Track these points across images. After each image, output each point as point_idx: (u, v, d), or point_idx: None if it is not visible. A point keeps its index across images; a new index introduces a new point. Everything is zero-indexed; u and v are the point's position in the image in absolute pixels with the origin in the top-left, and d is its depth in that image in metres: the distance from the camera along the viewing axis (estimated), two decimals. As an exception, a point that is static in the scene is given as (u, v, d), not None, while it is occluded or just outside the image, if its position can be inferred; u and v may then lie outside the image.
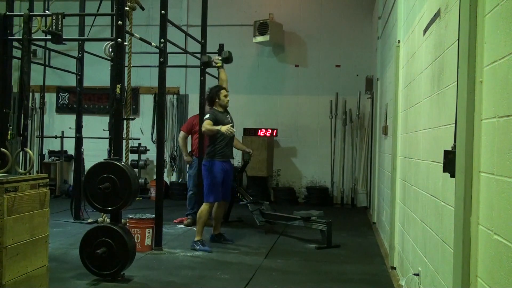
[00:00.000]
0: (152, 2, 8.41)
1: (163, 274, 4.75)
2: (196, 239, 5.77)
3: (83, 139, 7.50)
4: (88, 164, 5.13)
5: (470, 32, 2.05)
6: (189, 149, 7.57)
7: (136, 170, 9.47)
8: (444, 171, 2.39)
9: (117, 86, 4.60)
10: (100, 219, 6.74)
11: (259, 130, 9.76)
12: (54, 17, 4.88)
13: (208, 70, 7.32)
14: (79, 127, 7.45)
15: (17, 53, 5.63)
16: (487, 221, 1.91)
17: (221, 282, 4.56)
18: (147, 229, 5.56)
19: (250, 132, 9.73)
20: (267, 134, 9.75)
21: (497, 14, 1.85)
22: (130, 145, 5.19)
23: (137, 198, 5.60)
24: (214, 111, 5.89)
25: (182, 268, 4.98)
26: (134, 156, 9.56)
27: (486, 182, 1.93)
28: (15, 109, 5.97)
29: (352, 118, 9.91)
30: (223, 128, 5.66)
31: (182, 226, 7.16)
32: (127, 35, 4.89)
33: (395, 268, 4.82)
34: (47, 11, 5.76)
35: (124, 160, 4.82)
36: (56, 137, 8.76)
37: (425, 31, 3.42)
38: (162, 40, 5.73)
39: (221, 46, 7.95)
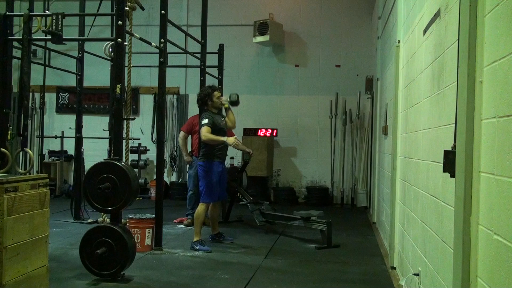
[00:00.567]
0: (152, 2, 8.41)
1: (163, 274, 4.75)
2: (195, 239, 5.77)
3: (83, 139, 7.50)
4: (88, 164, 5.14)
5: (470, 32, 2.05)
6: (189, 149, 7.57)
7: (136, 170, 9.47)
8: (444, 171, 2.39)
9: (117, 86, 4.60)
10: (100, 219, 6.75)
11: (259, 130, 9.76)
12: (54, 17, 4.88)
13: (208, 70, 7.32)
14: (79, 127, 7.45)
15: (17, 53, 5.62)
16: (487, 221, 1.91)
17: (221, 282, 4.56)
18: (147, 229, 5.56)
19: (250, 132, 9.73)
20: (267, 134, 9.75)
21: (497, 14, 1.85)
22: (130, 145, 5.19)
23: (137, 198, 5.61)
24: (210, 114, 5.86)
25: (182, 268, 4.98)
26: (134, 156, 9.56)
27: (486, 182, 1.93)
28: (15, 109, 5.98)
29: (352, 118, 9.91)
30: (230, 140, 5.67)
31: (182, 226, 7.16)
32: (127, 35, 4.89)
33: (395, 268, 4.82)
34: (47, 11, 5.75)
35: (124, 160, 4.82)
36: (56, 137, 8.76)
37: (425, 31, 3.42)
38: (162, 40, 5.73)
39: (221, 46, 7.95)
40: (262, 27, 9.66)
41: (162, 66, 5.81)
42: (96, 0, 7.52)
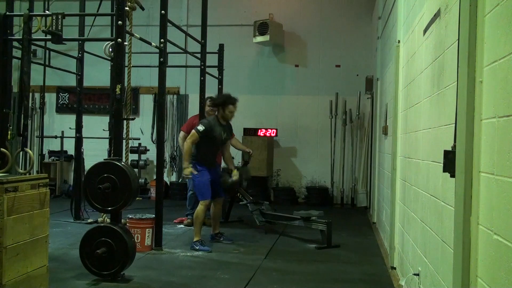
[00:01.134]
0: (152, 2, 8.40)
1: (163, 274, 4.75)
2: (195, 239, 5.77)
3: (83, 139, 7.50)
4: (88, 164, 5.13)
5: (470, 32, 2.05)
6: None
7: (136, 170, 9.47)
8: (444, 171, 2.39)
9: (117, 86, 4.59)
10: (100, 219, 6.75)
11: (259, 130, 9.76)
12: (54, 17, 4.88)
13: (208, 70, 7.32)
14: (79, 127, 7.45)
15: (17, 53, 5.62)
16: (487, 221, 1.91)
17: (221, 282, 4.56)
18: (147, 229, 5.56)
19: (250, 132, 9.72)
20: (267, 134, 9.75)
21: (497, 14, 1.85)
22: (130, 145, 5.19)
23: (137, 198, 5.60)
24: (212, 121, 5.87)
25: (182, 268, 4.98)
26: (134, 156, 9.56)
27: (486, 182, 1.93)
28: (15, 109, 5.97)
29: (352, 118, 9.91)
30: (185, 171, 5.73)
31: (182, 226, 7.16)
32: (127, 35, 4.89)
33: (395, 268, 4.82)
34: (47, 11, 5.75)
35: (124, 160, 4.82)
36: (56, 137, 8.76)
37: (425, 31, 3.42)
38: (162, 40, 5.73)
39: (221, 46, 7.95)
40: (262, 27, 9.66)
41: (162, 66, 5.81)
42: (96, 0, 7.52)
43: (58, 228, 6.59)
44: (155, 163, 7.54)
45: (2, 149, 4.81)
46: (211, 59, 7.62)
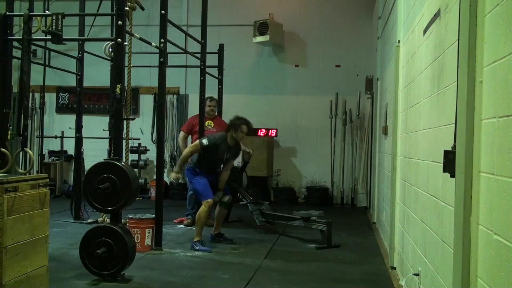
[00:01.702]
0: (152, 2, 8.40)
1: (163, 274, 4.75)
2: (195, 239, 5.77)
3: (83, 139, 7.50)
4: (88, 164, 5.13)
5: (470, 32, 2.05)
6: (189, 149, 7.57)
7: (136, 170, 9.47)
8: (444, 171, 2.39)
9: (117, 86, 4.59)
10: (100, 219, 6.75)
11: (259, 130, 9.75)
12: (54, 17, 4.88)
13: (208, 70, 7.32)
14: (79, 127, 7.45)
15: (17, 53, 5.62)
16: (487, 221, 1.91)
17: (221, 282, 4.56)
18: (147, 229, 5.56)
19: (250, 132, 9.67)
20: (267, 134, 9.75)
21: (497, 14, 1.85)
22: (130, 145, 5.19)
23: (137, 198, 5.61)
24: (219, 140, 5.86)
25: (182, 268, 4.98)
26: (134, 156, 9.56)
27: (486, 182, 1.93)
28: (15, 109, 5.96)
29: (352, 118, 9.91)
30: (172, 175, 5.93)
31: (182, 226, 7.16)
32: (127, 35, 4.88)
33: (395, 268, 4.82)
34: (47, 11, 5.75)
35: (124, 160, 4.82)
36: (56, 137, 8.76)
37: (425, 31, 3.42)
38: (162, 40, 5.73)
39: (221, 46, 7.95)
40: (262, 27, 9.66)
41: (162, 66, 5.81)
42: (96, 0, 7.52)
43: (58, 228, 6.59)
44: (155, 163, 7.54)
45: (2, 149, 4.81)
46: (211, 59, 7.62)
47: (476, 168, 2.03)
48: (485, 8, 1.98)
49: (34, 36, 5.28)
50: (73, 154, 7.87)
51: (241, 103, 9.60)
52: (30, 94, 9.27)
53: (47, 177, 4.11)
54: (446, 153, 2.37)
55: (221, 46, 7.94)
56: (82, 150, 7.46)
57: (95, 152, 8.35)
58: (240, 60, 10.11)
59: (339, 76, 10.02)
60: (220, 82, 7.86)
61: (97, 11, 7.20)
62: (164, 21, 5.81)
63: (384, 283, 4.66)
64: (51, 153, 10.26)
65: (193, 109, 9.59)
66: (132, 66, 5.04)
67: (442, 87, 2.81)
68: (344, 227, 7.27)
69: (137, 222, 5.54)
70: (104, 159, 4.69)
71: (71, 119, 8.31)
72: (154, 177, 8.47)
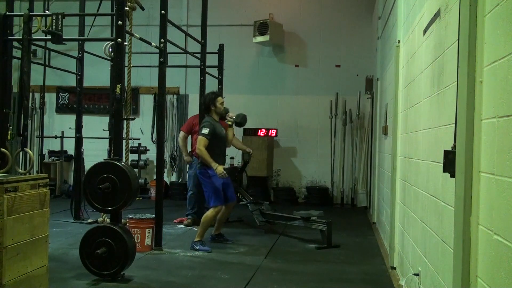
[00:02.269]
0: (152, 2, 8.39)
1: (163, 274, 4.75)
2: (196, 239, 5.77)
3: (83, 139, 7.50)
4: (88, 164, 5.13)
5: (470, 32, 2.05)
6: (189, 149, 7.57)
7: (136, 170, 9.47)
8: (444, 171, 2.39)
9: (117, 86, 4.59)
10: (100, 219, 6.75)
11: (259, 130, 9.76)
12: (54, 17, 4.88)
13: (208, 70, 7.32)
14: (79, 127, 7.45)
15: (17, 53, 5.62)
16: (487, 221, 1.91)
17: (221, 282, 4.56)
18: (147, 229, 5.56)
19: (250, 132, 9.72)
20: (267, 134, 9.75)
21: (497, 14, 1.85)
22: (130, 145, 5.19)
23: (137, 198, 5.61)
24: (211, 121, 5.85)
25: (182, 268, 4.98)
26: (134, 156, 9.56)
27: (486, 182, 1.93)
28: (15, 109, 5.97)
29: (352, 118, 9.91)
30: (218, 170, 5.63)
31: (182, 226, 7.16)
32: (127, 35, 4.89)
33: (395, 268, 4.82)
34: (47, 11, 5.75)
35: (124, 160, 4.82)
36: (56, 137, 8.76)
37: (425, 31, 3.42)
38: (162, 40, 5.73)
39: (221, 46, 7.95)
40: (262, 27, 9.66)
41: (162, 66, 5.81)
42: (96, 0, 7.52)
43: (58, 228, 6.59)
44: (155, 163, 7.55)
45: (2, 149, 4.81)
46: (211, 59, 7.62)
47: (476, 168, 2.03)
48: (485, 8, 1.98)
49: (34, 36, 5.28)
50: (73, 154, 7.87)
51: (241, 103, 9.59)
52: (30, 94, 9.27)
53: (47, 177, 4.11)
54: (446, 153, 2.37)
55: (221, 46, 7.94)
56: (82, 150, 7.46)
57: (95, 152, 8.35)
58: (240, 60, 10.11)
59: (339, 76, 10.02)
60: (220, 82, 7.86)
61: (97, 11, 7.20)
62: (164, 21, 5.81)
63: (384, 283, 4.66)
64: (51, 153, 10.26)
65: (193, 109, 9.60)
66: (132, 66, 5.04)
67: (442, 87, 2.81)
68: (344, 227, 7.27)
69: (137, 222, 5.54)
70: (104, 159, 4.69)
71: (71, 119, 8.32)
72: (154, 177, 8.47)
